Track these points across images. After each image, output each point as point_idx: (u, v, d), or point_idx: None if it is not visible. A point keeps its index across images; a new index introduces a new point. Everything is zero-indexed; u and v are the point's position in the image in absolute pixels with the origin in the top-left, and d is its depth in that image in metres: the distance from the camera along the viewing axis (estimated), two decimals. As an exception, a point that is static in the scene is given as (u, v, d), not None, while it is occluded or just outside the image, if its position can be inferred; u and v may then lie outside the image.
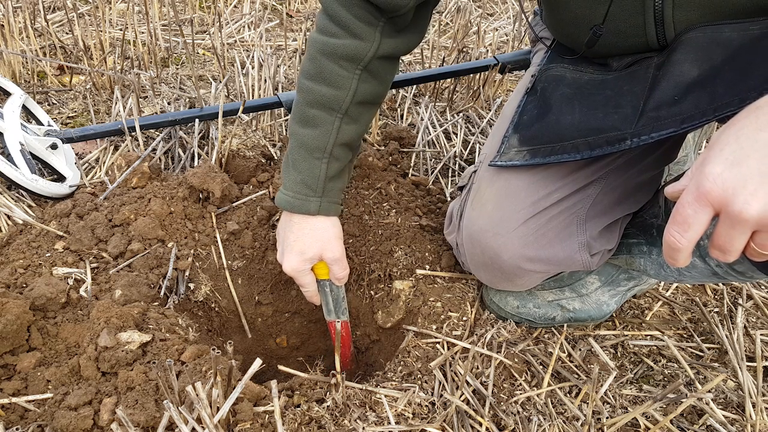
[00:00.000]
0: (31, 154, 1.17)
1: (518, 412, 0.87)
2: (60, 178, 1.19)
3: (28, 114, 1.29)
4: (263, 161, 1.31)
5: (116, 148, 1.33)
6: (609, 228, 0.91)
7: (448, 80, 1.67)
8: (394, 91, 1.66)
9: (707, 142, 1.28)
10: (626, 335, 1.04)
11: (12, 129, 1.15)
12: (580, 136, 0.80)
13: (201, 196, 1.17)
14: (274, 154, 1.34)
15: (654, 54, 0.80)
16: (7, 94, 1.26)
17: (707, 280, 0.86)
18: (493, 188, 0.90)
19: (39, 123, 1.29)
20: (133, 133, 1.31)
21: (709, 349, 1.03)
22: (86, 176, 1.25)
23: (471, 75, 1.62)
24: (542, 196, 0.86)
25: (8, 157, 1.12)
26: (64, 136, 1.24)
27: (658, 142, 0.76)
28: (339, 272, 0.98)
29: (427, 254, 1.12)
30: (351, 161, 0.97)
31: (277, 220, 1.19)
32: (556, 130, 0.84)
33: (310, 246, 0.93)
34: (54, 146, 1.20)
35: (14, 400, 0.79)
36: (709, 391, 0.94)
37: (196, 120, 1.31)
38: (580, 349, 1.00)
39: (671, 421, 0.86)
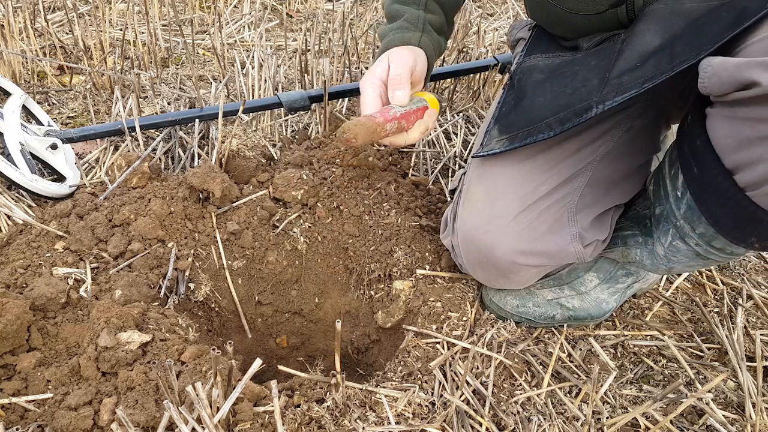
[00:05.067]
0: (31, 154, 1.17)
1: (518, 412, 0.87)
2: (60, 178, 1.19)
3: (28, 114, 1.29)
4: (263, 161, 1.31)
5: (116, 148, 1.33)
6: (600, 218, 0.92)
7: (448, 80, 1.67)
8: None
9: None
10: (626, 335, 1.04)
11: (12, 129, 1.15)
12: (552, 115, 0.82)
13: (201, 196, 1.17)
14: (274, 154, 1.34)
15: (622, 31, 0.83)
16: (7, 94, 1.26)
17: (693, 263, 0.87)
18: (481, 186, 0.92)
19: (39, 123, 1.29)
20: (133, 133, 1.31)
21: (709, 349, 1.03)
22: (86, 176, 1.25)
23: (471, 75, 1.62)
24: (530, 189, 0.88)
25: (8, 157, 1.12)
26: (64, 136, 1.24)
27: (639, 129, 0.78)
28: (394, 87, 0.92)
29: (427, 254, 1.12)
30: (443, 34, 1.05)
31: (278, 220, 1.19)
32: (530, 114, 0.86)
33: (380, 61, 0.95)
34: (54, 146, 1.20)
35: (14, 400, 0.79)
36: (709, 391, 0.94)
37: (196, 120, 1.31)
38: (580, 349, 1.00)
39: (671, 421, 0.86)
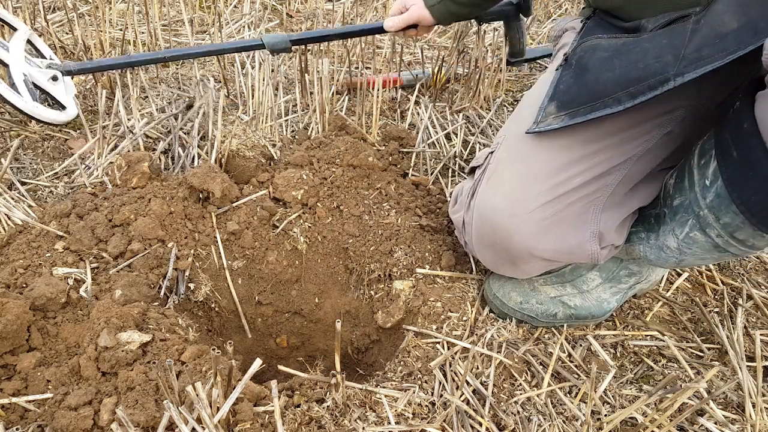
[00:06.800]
0: (34, 84, 1.29)
1: (518, 412, 0.87)
2: (60, 108, 1.32)
3: (32, 48, 1.42)
4: (263, 161, 1.31)
5: (116, 147, 1.33)
6: (623, 223, 0.92)
7: (448, 81, 1.68)
8: (394, 91, 1.66)
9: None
10: (626, 335, 1.04)
11: (16, 61, 1.28)
12: (622, 89, 0.80)
13: (201, 196, 1.17)
14: (274, 155, 1.34)
15: (691, 11, 0.81)
16: (14, 29, 1.38)
17: (708, 255, 0.87)
18: (512, 168, 0.90)
19: (42, 57, 1.42)
20: (134, 133, 1.31)
21: (709, 349, 1.03)
22: (86, 176, 1.25)
23: (469, 74, 1.62)
24: (563, 179, 0.87)
25: (12, 86, 1.24)
26: (64, 68, 1.37)
27: (676, 135, 0.79)
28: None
29: (427, 254, 1.12)
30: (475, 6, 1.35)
31: (278, 220, 1.19)
32: (595, 89, 0.84)
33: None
34: (55, 78, 1.34)
35: (14, 400, 0.79)
36: (709, 392, 0.94)
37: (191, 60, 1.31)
38: (580, 346, 1.00)
39: (670, 420, 0.86)
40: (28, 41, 1.38)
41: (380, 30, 1.44)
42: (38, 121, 1.28)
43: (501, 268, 0.98)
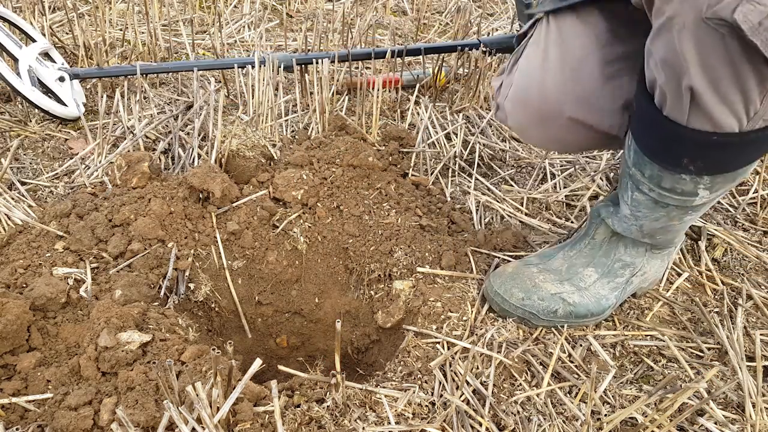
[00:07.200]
0: (40, 81, 1.36)
1: (518, 412, 0.87)
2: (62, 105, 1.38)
3: (47, 57, 1.48)
4: (263, 161, 1.31)
5: (115, 147, 1.33)
6: None
7: (449, 82, 1.68)
8: (395, 92, 1.66)
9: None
10: (626, 335, 1.04)
11: (25, 57, 1.36)
12: None
13: (201, 196, 1.17)
14: (274, 155, 1.34)
15: None
16: (33, 40, 1.46)
17: (658, 214, 0.92)
18: (552, 36, 0.95)
19: (54, 62, 1.48)
20: (134, 134, 1.31)
21: (709, 349, 1.03)
22: (86, 176, 1.25)
23: (469, 74, 1.62)
24: (603, 43, 0.92)
25: (17, 74, 1.32)
26: (72, 72, 1.43)
27: None
28: None
29: (427, 254, 1.12)
30: None
31: (278, 220, 1.19)
32: None
33: None
34: (62, 79, 1.39)
35: (14, 400, 0.79)
36: (709, 392, 0.94)
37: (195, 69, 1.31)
38: (580, 346, 1.00)
39: (670, 420, 0.86)
40: (46, 54, 1.46)
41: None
42: (34, 105, 1.32)
43: (528, 130, 1.02)
